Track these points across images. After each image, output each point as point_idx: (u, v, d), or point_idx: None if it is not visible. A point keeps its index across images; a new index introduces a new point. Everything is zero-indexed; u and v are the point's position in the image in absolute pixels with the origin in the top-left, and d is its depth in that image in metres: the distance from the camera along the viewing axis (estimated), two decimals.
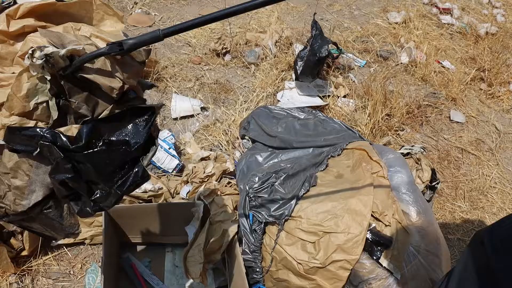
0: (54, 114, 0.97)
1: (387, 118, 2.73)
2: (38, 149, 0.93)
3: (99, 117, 0.99)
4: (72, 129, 0.96)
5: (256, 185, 1.60)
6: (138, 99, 1.05)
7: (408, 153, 2.38)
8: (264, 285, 1.61)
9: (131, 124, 1.00)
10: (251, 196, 1.58)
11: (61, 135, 0.94)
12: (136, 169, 1.01)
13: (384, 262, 1.43)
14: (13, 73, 1.04)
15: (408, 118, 2.85)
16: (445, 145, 2.78)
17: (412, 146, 2.53)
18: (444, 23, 4.02)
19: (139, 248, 1.86)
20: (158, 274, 1.78)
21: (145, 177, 1.04)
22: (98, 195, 1.01)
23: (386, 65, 3.34)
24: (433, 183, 2.22)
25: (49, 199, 1.06)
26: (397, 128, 2.75)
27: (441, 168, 2.62)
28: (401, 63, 3.37)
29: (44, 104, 0.97)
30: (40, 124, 0.98)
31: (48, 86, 0.94)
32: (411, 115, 2.88)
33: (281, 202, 1.52)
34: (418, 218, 1.56)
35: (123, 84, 0.97)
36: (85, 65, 0.92)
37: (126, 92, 1.02)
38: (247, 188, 1.61)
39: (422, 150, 2.45)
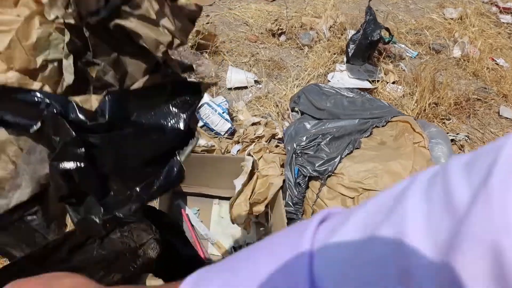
0: (69, 78, 0.67)
1: (434, 106, 2.78)
2: (39, 124, 0.63)
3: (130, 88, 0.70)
4: (91, 100, 0.67)
5: (303, 143, 1.72)
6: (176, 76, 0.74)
7: (452, 140, 2.43)
8: None
9: (170, 105, 0.71)
10: (298, 152, 1.70)
11: (75, 105, 0.65)
12: (169, 167, 0.73)
13: None
14: (18, 16, 0.68)
15: (456, 109, 2.88)
16: (491, 139, 2.80)
17: (457, 134, 2.57)
18: (503, 22, 3.99)
19: (189, 198, 2.02)
20: (204, 223, 1.93)
21: (180, 178, 0.74)
22: (113, 199, 0.70)
23: (437, 58, 3.37)
24: None
25: (35, 201, 0.72)
26: (443, 117, 2.79)
27: None
28: (453, 57, 3.39)
29: (56, 64, 0.67)
30: (47, 89, 0.67)
31: (67, 38, 0.65)
32: (459, 107, 2.91)
33: (325, 159, 1.63)
34: None
35: (172, 39, 0.67)
36: (123, 9, 0.62)
37: (166, 63, 0.71)
38: (295, 145, 1.73)
39: (466, 138, 2.49)
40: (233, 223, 1.72)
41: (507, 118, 2.99)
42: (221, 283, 0.35)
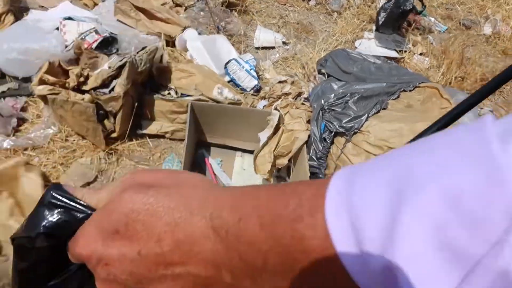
0: None
1: (459, 80, 2.77)
2: None
3: None
4: None
5: (331, 100, 1.74)
6: None
7: None
8: None
9: None
10: (326, 108, 1.72)
11: None
12: None
13: None
14: None
15: (482, 85, 2.86)
16: None
17: (481, 108, 2.57)
18: None
19: (213, 149, 2.06)
20: (227, 174, 1.98)
21: None
22: None
23: (467, 33, 3.33)
24: None
25: None
26: (468, 92, 2.78)
27: None
28: (483, 34, 3.35)
29: None
30: None
31: None
32: (485, 83, 2.89)
33: (352, 116, 1.65)
34: None
35: None
36: None
37: None
38: (322, 102, 1.75)
39: (490, 112, 2.49)
40: (256, 173, 1.76)
41: None
42: (388, 174, 0.28)
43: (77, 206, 0.40)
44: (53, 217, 0.40)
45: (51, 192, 0.40)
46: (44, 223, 0.41)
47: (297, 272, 0.30)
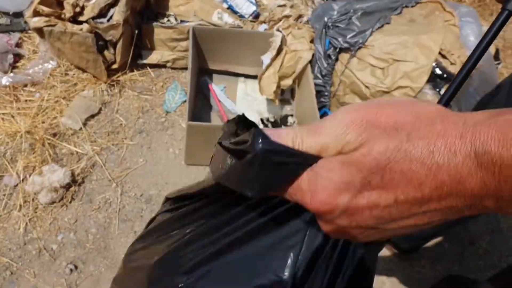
0: None
1: (458, 0, 2.75)
2: None
3: None
4: None
5: (334, 17, 1.73)
6: None
7: None
8: (329, 109, 1.78)
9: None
10: (329, 25, 1.71)
11: None
12: None
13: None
14: None
15: (479, 6, 2.86)
16: (511, 38, 2.80)
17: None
18: None
19: (215, 76, 2.05)
20: (231, 99, 1.98)
21: None
22: None
23: None
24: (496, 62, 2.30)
25: None
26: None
27: (504, 56, 2.66)
28: None
29: None
30: None
31: None
32: (482, 3, 2.88)
33: (357, 31, 1.65)
34: (482, 63, 1.66)
35: None
36: None
37: None
38: (326, 19, 1.74)
39: None
40: (262, 94, 1.77)
41: None
42: None
43: (296, 159, 0.37)
44: (268, 177, 0.37)
45: (263, 147, 0.35)
46: (260, 187, 0.38)
47: None
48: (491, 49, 2.32)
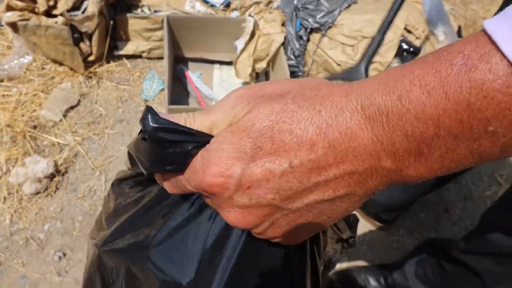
0: None
1: None
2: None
3: None
4: None
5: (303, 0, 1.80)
6: None
7: None
8: None
9: None
10: (299, 7, 1.78)
11: None
12: None
13: None
14: None
15: None
16: (473, 16, 2.92)
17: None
18: None
19: (191, 63, 2.10)
20: (208, 86, 2.03)
21: None
22: None
23: None
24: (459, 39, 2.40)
25: None
26: None
27: (466, 34, 2.78)
28: None
29: None
30: None
31: None
32: None
33: (325, 11, 1.72)
34: (445, 38, 1.76)
35: None
36: None
37: None
38: (295, 2, 1.80)
39: (451, 11, 2.59)
40: (238, 77, 1.83)
41: None
42: None
43: (187, 136, 0.36)
44: (159, 155, 0.37)
45: (151, 125, 0.35)
46: (151, 164, 0.38)
47: (476, 124, 0.29)
48: (455, 26, 2.43)
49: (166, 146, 0.36)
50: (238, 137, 0.34)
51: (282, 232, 0.39)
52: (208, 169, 0.35)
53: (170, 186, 0.41)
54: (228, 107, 0.36)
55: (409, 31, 1.69)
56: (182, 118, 0.37)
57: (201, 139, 0.37)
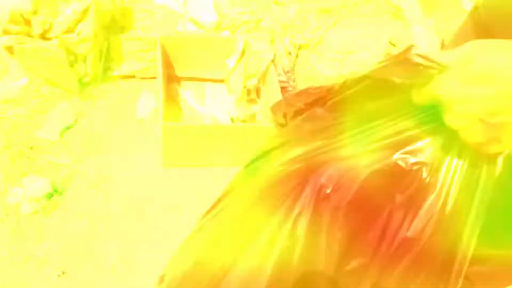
0: None
1: None
2: None
3: None
4: None
5: (291, 17, 1.87)
6: None
7: None
8: None
9: None
10: (287, 24, 1.85)
11: None
12: None
13: None
14: None
15: None
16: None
17: None
18: None
19: (184, 82, 2.15)
20: (199, 104, 2.08)
21: None
22: None
23: None
24: None
25: None
26: None
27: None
28: None
29: None
30: None
31: None
32: None
33: (313, 28, 1.79)
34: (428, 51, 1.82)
35: None
36: None
37: None
38: (283, 19, 1.87)
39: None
40: (229, 94, 1.88)
41: None
42: None
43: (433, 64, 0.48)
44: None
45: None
46: None
47: None
48: (437, 41, 2.51)
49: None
50: (462, 68, 0.45)
51: None
52: (442, 85, 0.46)
53: None
54: (460, 52, 0.46)
55: (393, 45, 1.75)
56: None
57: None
